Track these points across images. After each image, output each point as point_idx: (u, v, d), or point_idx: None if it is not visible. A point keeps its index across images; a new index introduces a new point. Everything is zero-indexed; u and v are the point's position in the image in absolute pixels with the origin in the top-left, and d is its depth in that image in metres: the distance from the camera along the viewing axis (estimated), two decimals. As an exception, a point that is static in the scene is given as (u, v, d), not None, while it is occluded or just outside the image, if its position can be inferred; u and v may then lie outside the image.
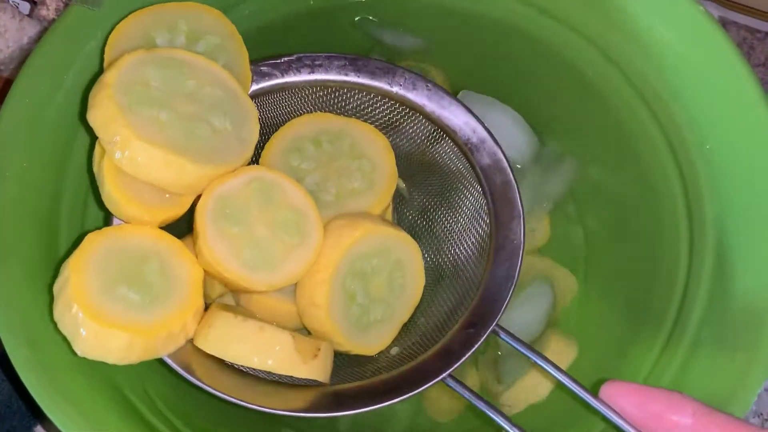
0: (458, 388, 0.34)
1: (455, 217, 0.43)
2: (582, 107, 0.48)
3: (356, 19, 0.51)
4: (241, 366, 0.36)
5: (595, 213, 0.51)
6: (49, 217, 0.37)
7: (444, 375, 0.35)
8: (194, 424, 0.38)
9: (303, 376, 0.34)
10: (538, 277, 0.47)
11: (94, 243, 0.34)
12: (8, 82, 0.40)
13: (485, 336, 0.35)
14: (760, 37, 0.46)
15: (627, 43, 0.42)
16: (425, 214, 0.44)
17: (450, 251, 0.43)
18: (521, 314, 0.44)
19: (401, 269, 0.40)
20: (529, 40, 0.46)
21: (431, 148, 0.43)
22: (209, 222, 0.35)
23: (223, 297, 0.40)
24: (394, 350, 0.40)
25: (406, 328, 0.41)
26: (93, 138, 0.41)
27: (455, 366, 0.35)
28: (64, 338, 0.33)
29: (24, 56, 0.40)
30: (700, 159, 0.40)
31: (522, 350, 0.35)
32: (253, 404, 0.33)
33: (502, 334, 0.35)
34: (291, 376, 0.35)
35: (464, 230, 0.42)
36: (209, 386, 0.33)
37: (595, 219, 0.51)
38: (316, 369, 0.34)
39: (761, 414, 0.44)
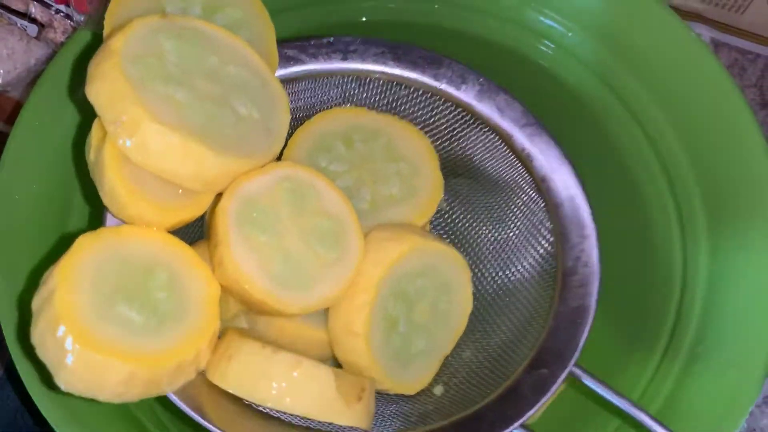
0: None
1: (506, 236, 0.37)
2: (581, 133, 0.44)
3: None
4: (267, 408, 0.29)
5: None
6: (56, 235, 0.34)
7: (516, 425, 0.28)
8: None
9: (343, 424, 0.28)
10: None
11: (87, 248, 0.27)
12: (18, 105, 0.40)
13: (562, 378, 0.30)
14: (750, 59, 0.46)
15: (623, 66, 0.41)
16: (467, 230, 0.38)
17: (499, 274, 0.37)
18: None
19: (447, 293, 0.34)
20: (518, 59, 0.43)
21: (479, 153, 0.38)
22: (233, 227, 0.29)
23: (235, 320, 0.33)
24: (438, 389, 0.34)
25: (449, 362, 0.35)
26: (84, 119, 0.36)
27: (528, 414, 0.29)
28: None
29: (31, 77, 0.39)
30: (695, 182, 0.39)
31: (609, 398, 0.29)
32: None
33: (586, 378, 0.29)
34: (329, 423, 0.28)
35: (518, 251, 0.36)
36: (228, 433, 0.27)
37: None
38: (360, 414, 0.28)
39: (754, 430, 0.42)
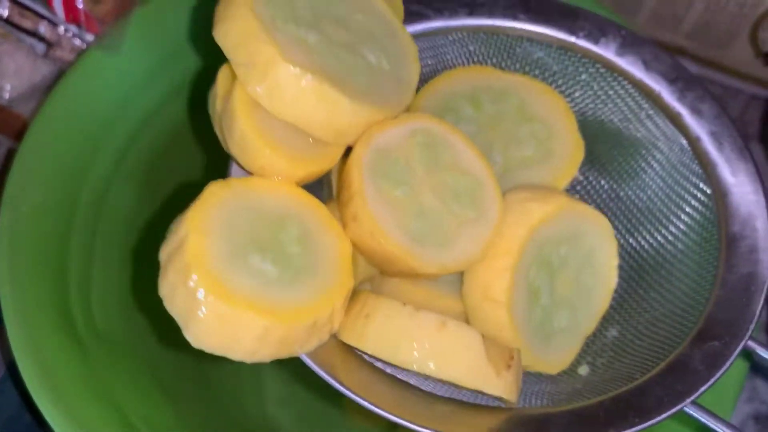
0: (706, 419, 0.25)
1: (652, 204, 0.34)
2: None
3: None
4: (401, 373, 0.27)
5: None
6: (60, 246, 0.34)
7: (688, 401, 0.25)
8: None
9: (492, 393, 0.25)
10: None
11: (219, 197, 0.25)
12: (24, 121, 0.40)
13: (738, 350, 0.26)
14: (731, 93, 0.48)
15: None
16: (606, 199, 0.35)
17: (644, 247, 0.33)
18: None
19: (592, 264, 0.31)
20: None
21: (620, 114, 0.34)
22: (368, 179, 0.27)
23: (360, 286, 0.30)
24: (583, 369, 0.31)
25: (592, 342, 0.32)
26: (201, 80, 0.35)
27: (702, 389, 0.25)
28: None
29: (36, 93, 0.40)
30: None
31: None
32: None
33: (763, 350, 0.26)
34: (474, 392, 0.25)
35: (666, 220, 0.33)
36: (372, 403, 0.24)
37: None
38: (509, 384, 0.25)
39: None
